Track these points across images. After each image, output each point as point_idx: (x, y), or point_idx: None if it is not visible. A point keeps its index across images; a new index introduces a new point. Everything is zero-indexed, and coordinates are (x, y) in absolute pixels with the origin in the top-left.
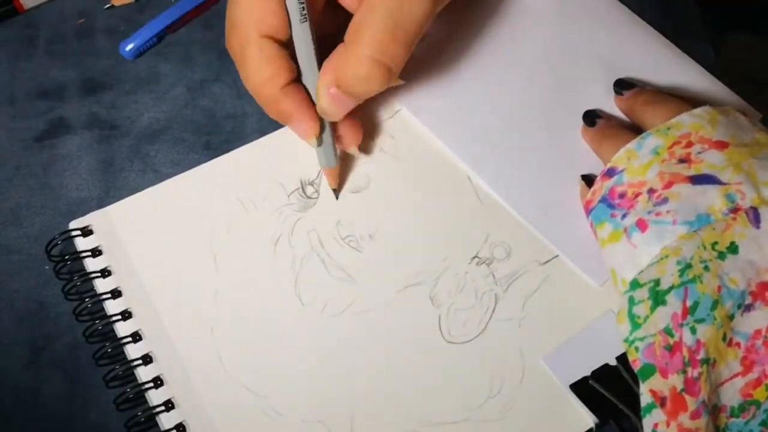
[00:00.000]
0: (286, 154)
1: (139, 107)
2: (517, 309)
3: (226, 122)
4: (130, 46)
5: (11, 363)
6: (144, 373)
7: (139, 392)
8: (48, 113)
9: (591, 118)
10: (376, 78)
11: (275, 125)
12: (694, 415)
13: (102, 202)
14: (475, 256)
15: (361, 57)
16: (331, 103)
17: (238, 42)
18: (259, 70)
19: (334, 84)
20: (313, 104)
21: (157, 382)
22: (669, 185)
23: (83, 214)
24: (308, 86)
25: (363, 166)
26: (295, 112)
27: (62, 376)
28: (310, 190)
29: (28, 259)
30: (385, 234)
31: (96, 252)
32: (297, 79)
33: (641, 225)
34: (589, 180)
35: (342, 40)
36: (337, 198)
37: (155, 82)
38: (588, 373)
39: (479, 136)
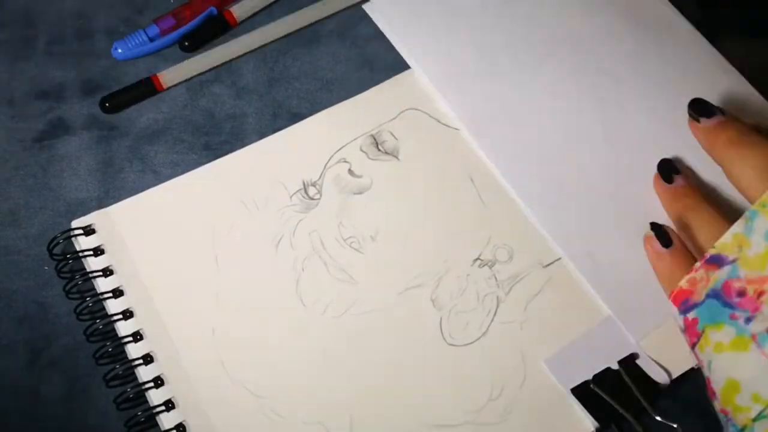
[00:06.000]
0: (289, 155)
1: (138, 108)
2: (518, 312)
3: (225, 123)
4: (120, 50)
5: (10, 364)
6: (144, 373)
7: (139, 392)
8: (47, 114)
9: (668, 172)
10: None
11: (274, 126)
12: None
13: (101, 203)
14: (477, 258)
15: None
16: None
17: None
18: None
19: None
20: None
21: (158, 381)
22: None
23: (82, 215)
24: None
25: (365, 167)
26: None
27: (61, 377)
28: (312, 191)
29: (28, 260)
30: (387, 235)
31: (98, 251)
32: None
33: None
34: (661, 233)
35: None
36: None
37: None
38: (589, 377)
39: (501, 120)
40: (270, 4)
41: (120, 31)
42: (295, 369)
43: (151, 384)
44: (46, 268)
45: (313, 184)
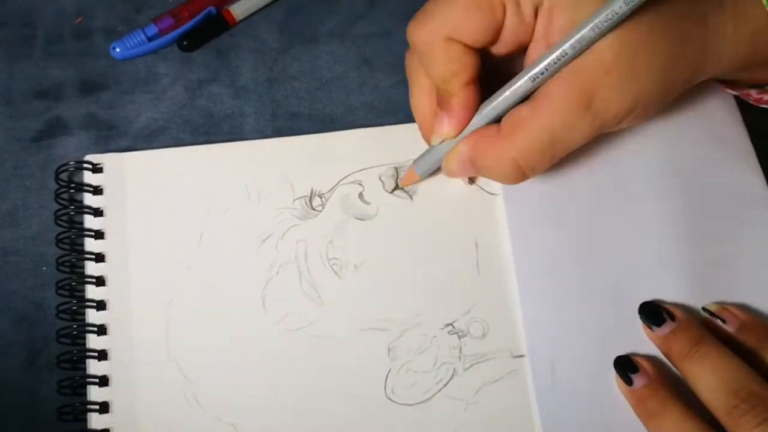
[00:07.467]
0: (310, 159)
1: (137, 107)
2: (469, 392)
3: (224, 122)
4: (117, 49)
5: (9, 365)
6: (94, 342)
7: (82, 357)
8: (45, 113)
9: (624, 372)
10: (510, 178)
11: (273, 125)
12: None
13: None
14: (450, 324)
15: (505, 155)
16: (458, 169)
17: (425, 39)
18: (446, 66)
19: (470, 158)
20: (472, 112)
21: (102, 354)
22: None
23: None
24: (485, 110)
25: (377, 196)
26: (457, 111)
27: (60, 378)
28: (316, 201)
29: (26, 261)
30: (371, 269)
31: (97, 190)
32: (475, 79)
33: None
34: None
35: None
36: (392, 191)
37: (153, 82)
38: None
39: (540, 200)
40: (269, 4)
41: (118, 30)
42: (231, 365)
43: (95, 355)
44: (44, 268)
45: (320, 196)
